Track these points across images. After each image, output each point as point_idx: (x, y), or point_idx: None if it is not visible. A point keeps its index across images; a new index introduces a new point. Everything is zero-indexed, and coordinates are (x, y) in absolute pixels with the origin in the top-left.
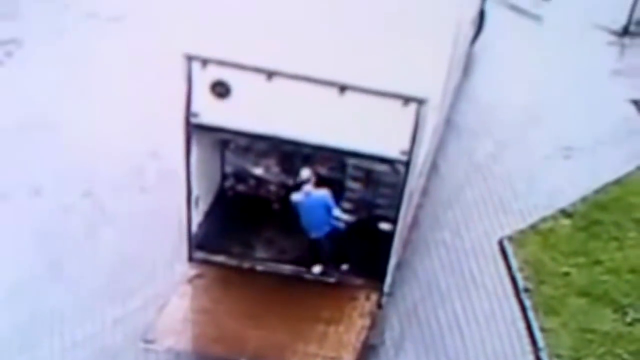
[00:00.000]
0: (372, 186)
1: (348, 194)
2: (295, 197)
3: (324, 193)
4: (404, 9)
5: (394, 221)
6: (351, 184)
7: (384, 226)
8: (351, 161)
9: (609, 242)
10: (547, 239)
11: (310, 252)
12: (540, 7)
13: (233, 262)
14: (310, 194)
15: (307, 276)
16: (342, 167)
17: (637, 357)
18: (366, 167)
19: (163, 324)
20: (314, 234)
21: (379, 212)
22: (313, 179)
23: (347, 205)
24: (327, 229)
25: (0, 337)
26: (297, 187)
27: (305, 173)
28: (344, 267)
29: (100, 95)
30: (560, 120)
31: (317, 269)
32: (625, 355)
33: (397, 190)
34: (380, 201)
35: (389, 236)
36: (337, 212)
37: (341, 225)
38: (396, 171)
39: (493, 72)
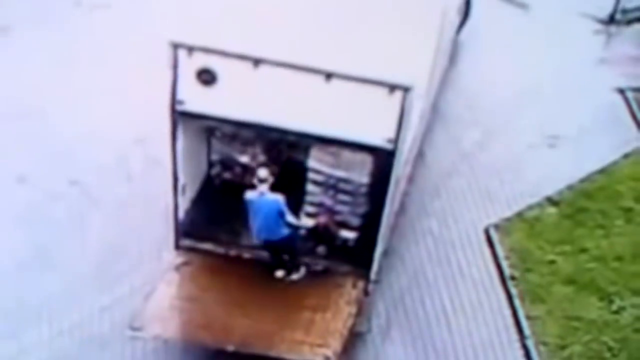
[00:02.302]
0: (332, 192)
1: (309, 198)
2: (249, 195)
3: (277, 198)
4: None
5: (355, 228)
6: (311, 188)
7: (345, 234)
8: (311, 164)
9: (595, 230)
10: (533, 227)
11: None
12: None
13: (220, 249)
14: (263, 195)
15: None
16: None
17: (623, 345)
18: (326, 172)
19: (150, 312)
20: (262, 236)
21: (339, 218)
22: (270, 181)
23: (309, 209)
24: (280, 235)
25: None
26: (253, 186)
27: (263, 173)
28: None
29: (86, 82)
30: (546, 109)
31: (279, 273)
32: (611, 343)
33: (357, 198)
34: (339, 207)
35: (376, 223)
36: (290, 218)
37: (302, 231)
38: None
39: (479, 60)
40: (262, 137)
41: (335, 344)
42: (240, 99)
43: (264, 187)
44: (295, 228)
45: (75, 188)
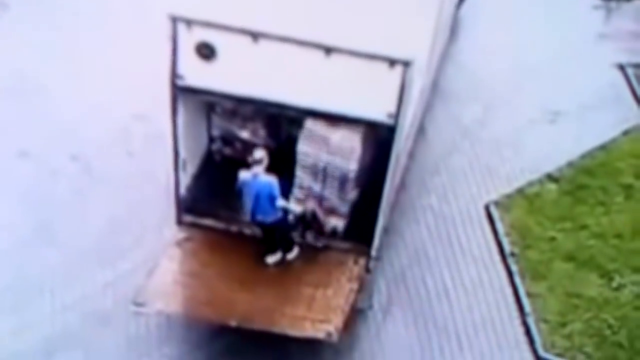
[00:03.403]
0: (321, 177)
1: (298, 182)
2: (243, 175)
3: (271, 180)
4: None
5: (343, 215)
6: (300, 173)
7: (334, 222)
8: (300, 148)
9: (595, 207)
10: (533, 204)
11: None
12: None
13: (221, 225)
14: (257, 177)
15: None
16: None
17: (623, 322)
18: (315, 156)
19: (153, 287)
20: (255, 217)
21: (328, 204)
22: (266, 162)
23: (298, 193)
24: (272, 217)
25: None
26: (248, 165)
27: (259, 154)
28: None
29: (87, 57)
30: (546, 85)
31: (271, 259)
32: (611, 321)
33: (345, 184)
34: (328, 193)
35: (377, 200)
36: (281, 202)
37: (290, 217)
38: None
39: (479, 36)
40: (262, 113)
41: (337, 320)
42: (239, 73)
43: (258, 168)
44: (284, 212)
45: (77, 163)
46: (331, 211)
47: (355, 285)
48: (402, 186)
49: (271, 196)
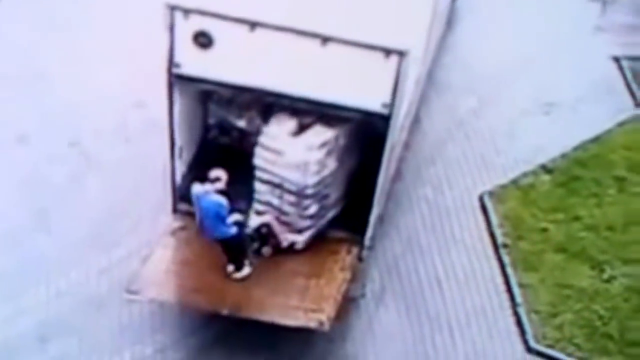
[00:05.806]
0: (278, 191)
1: (257, 196)
2: (195, 189)
3: (219, 201)
4: None
5: (302, 231)
6: (258, 186)
7: (292, 237)
8: (256, 162)
9: (588, 199)
10: (527, 195)
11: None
12: None
13: None
14: (207, 194)
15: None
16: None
17: (614, 314)
18: (270, 170)
19: (147, 275)
20: (205, 232)
21: (287, 219)
22: (222, 182)
23: (258, 207)
24: (219, 234)
25: None
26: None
27: (215, 173)
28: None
29: (86, 44)
30: (542, 76)
31: (230, 267)
32: (602, 312)
33: (302, 200)
34: (286, 208)
35: (371, 190)
36: (235, 216)
37: (248, 230)
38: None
39: (476, 27)
40: (259, 101)
41: (329, 310)
42: (236, 62)
43: (209, 187)
44: (242, 226)
45: (74, 150)
46: (290, 226)
47: (348, 275)
48: (397, 176)
49: (218, 215)
